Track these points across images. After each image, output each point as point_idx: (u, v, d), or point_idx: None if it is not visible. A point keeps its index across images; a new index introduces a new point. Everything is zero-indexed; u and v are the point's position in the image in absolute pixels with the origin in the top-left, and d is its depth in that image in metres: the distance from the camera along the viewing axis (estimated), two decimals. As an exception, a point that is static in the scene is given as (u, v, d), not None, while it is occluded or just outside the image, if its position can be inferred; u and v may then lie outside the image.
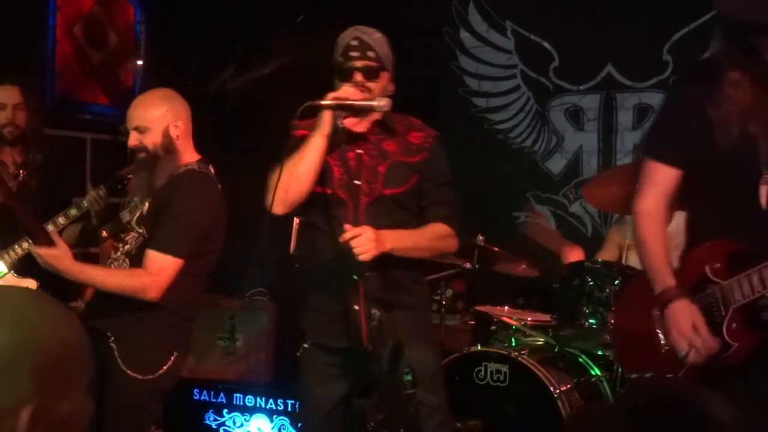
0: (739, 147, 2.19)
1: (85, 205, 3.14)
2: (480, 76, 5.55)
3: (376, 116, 2.78)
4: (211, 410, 4.38)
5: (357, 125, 2.75)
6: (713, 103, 2.21)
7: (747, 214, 2.24)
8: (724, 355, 2.23)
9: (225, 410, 4.37)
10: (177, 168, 2.97)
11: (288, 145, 2.75)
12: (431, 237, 2.81)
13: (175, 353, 2.96)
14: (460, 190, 2.90)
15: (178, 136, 2.96)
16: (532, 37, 5.38)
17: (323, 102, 2.65)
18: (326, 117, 2.66)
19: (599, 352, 3.94)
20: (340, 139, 2.73)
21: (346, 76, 2.73)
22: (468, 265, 4.23)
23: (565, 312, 3.97)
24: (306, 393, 2.96)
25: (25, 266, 3.16)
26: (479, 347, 3.91)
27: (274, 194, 2.68)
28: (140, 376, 2.88)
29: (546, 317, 4.21)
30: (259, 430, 4.28)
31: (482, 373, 3.78)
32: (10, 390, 1.12)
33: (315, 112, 2.68)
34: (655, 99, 4.95)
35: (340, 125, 2.70)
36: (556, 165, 5.36)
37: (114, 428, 2.77)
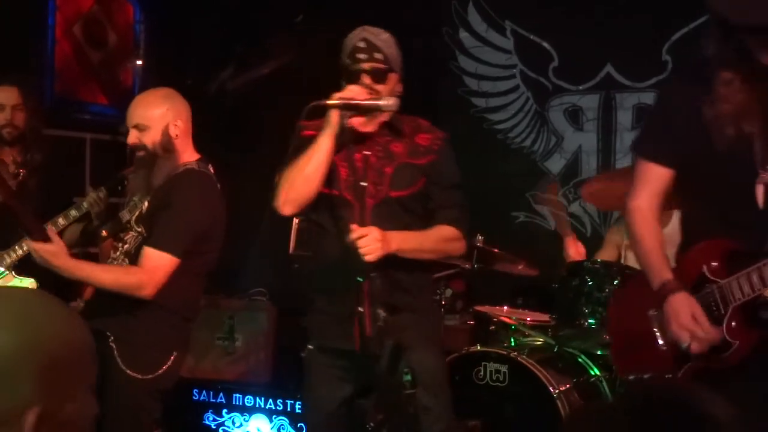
0: (734, 146, 2.19)
1: (85, 206, 3.14)
2: (479, 76, 5.55)
3: (383, 117, 2.75)
4: (210, 410, 4.38)
5: (364, 125, 2.73)
6: (706, 103, 2.21)
7: (743, 213, 2.23)
8: (725, 354, 2.22)
9: (224, 410, 4.36)
10: (176, 167, 2.97)
11: (295, 146, 2.73)
12: (437, 239, 2.79)
13: (175, 353, 2.96)
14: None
15: (177, 135, 2.97)
16: (532, 37, 5.38)
17: (330, 102, 2.63)
18: (334, 117, 2.64)
19: (598, 352, 3.94)
20: (346, 139, 2.71)
21: (353, 79, 2.71)
22: (467, 265, 4.23)
23: (564, 312, 3.97)
24: (310, 394, 2.94)
25: (24, 266, 3.16)
26: (478, 347, 3.91)
27: (282, 194, 2.67)
28: (140, 376, 2.87)
29: (545, 317, 4.21)
30: (258, 430, 4.28)
31: (481, 373, 3.78)
32: (16, 392, 1.12)
33: (322, 112, 2.66)
34: (654, 99, 4.94)
35: (347, 125, 2.68)
36: (556, 165, 5.37)
37: (114, 428, 2.77)
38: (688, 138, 2.28)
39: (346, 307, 2.68)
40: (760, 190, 2.21)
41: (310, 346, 2.88)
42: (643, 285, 2.40)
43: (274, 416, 4.25)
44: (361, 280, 2.59)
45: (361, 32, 2.76)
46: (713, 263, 2.26)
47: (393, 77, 2.76)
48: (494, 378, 3.76)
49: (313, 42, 5.45)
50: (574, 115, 5.29)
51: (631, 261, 3.80)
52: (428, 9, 5.45)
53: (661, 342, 2.37)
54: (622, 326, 2.58)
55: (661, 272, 2.33)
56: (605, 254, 4.24)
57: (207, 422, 4.37)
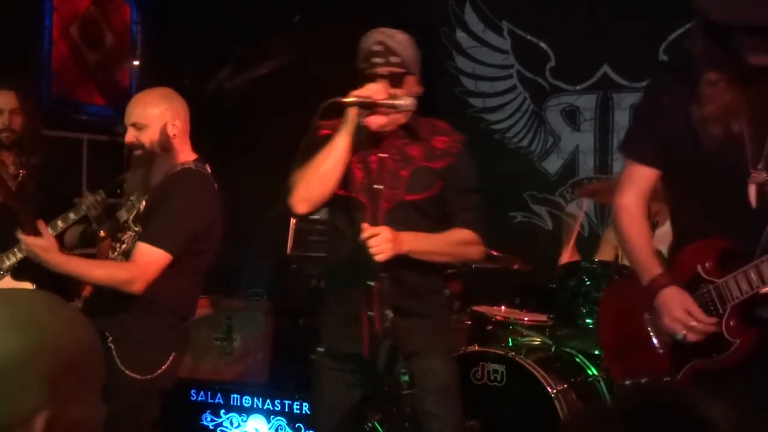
0: (724, 146, 2.19)
1: (83, 209, 3.14)
2: (476, 77, 5.55)
3: (401, 120, 2.71)
4: (208, 411, 4.38)
5: (380, 125, 2.67)
6: (692, 104, 2.21)
7: (736, 213, 2.23)
8: (725, 354, 2.22)
9: (222, 411, 4.36)
10: (174, 167, 2.97)
11: (310, 144, 2.66)
12: (453, 242, 2.74)
13: (174, 353, 2.96)
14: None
15: (175, 134, 2.97)
16: (529, 37, 5.38)
17: (347, 100, 2.57)
18: (352, 114, 2.59)
19: (596, 352, 3.94)
20: (363, 141, 2.66)
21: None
22: (464, 266, 4.23)
23: (561, 312, 3.97)
24: (318, 399, 2.89)
25: (22, 269, 3.17)
26: (476, 347, 3.91)
27: (297, 192, 2.62)
28: (139, 376, 2.87)
29: (543, 317, 4.22)
30: (256, 430, 4.28)
31: (479, 373, 3.78)
32: (25, 396, 1.11)
33: (339, 110, 2.61)
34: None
35: (362, 124, 2.61)
36: (553, 165, 5.37)
37: (113, 428, 2.77)
38: (677, 138, 2.28)
39: (355, 309, 2.65)
40: (752, 190, 2.21)
41: (320, 349, 2.84)
42: (634, 287, 2.40)
43: (272, 417, 4.25)
44: (371, 283, 2.54)
45: (376, 35, 2.69)
46: (708, 263, 2.26)
47: (410, 79, 2.70)
48: (492, 378, 3.76)
49: (311, 42, 5.45)
50: (571, 115, 5.29)
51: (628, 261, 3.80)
52: (425, 9, 5.45)
53: (657, 344, 2.37)
54: (615, 330, 2.57)
55: (651, 269, 2.33)
56: (602, 254, 4.24)
57: (205, 423, 4.37)
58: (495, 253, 4.26)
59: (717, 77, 2.16)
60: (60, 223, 3.11)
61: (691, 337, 2.23)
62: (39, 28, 5.07)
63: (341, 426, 2.80)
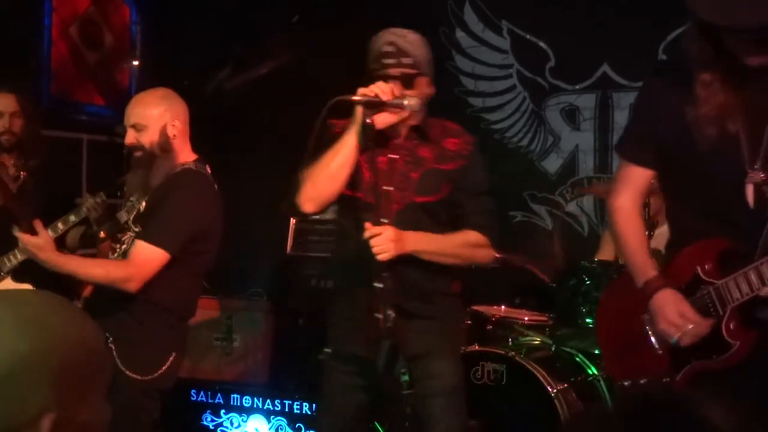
0: (720, 147, 2.19)
1: (84, 211, 3.14)
2: (476, 76, 5.55)
3: (411, 121, 2.69)
4: (208, 411, 4.38)
5: (386, 123, 2.62)
6: (687, 105, 2.20)
7: (734, 213, 2.23)
8: (725, 356, 2.22)
9: (222, 411, 4.37)
10: (174, 167, 2.97)
11: (321, 143, 2.62)
12: (460, 244, 2.71)
13: (174, 353, 2.96)
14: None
15: (175, 135, 2.97)
16: (528, 36, 5.38)
17: (353, 98, 2.54)
18: (359, 113, 2.55)
19: (596, 352, 3.94)
20: (373, 142, 2.61)
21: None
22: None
23: (561, 311, 3.98)
24: (324, 401, 2.88)
25: (22, 271, 3.17)
26: (476, 347, 3.91)
27: (305, 191, 2.60)
28: (139, 377, 2.88)
29: (543, 317, 4.22)
30: (256, 430, 4.28)
31: (479, 372, 3.78)
32: (32, 398, 1.10)
33: (348, 109, 2.58)
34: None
35: (368, 122, 2.57)
36: (552, 164, 5.36)
37: (113, 429, 2.77)
38: (672, 139, 2.28)
39: (362, 311, 2.62)
40: (749, 190, 2.21)
41: (327, 350, 2.83)
42: (633, 287, 2.39)
43: (272, 417, 4.25)
44: (380, 286, 2.51)
45: (388, 35, 2.66)
46: (708, 264, 2.26)
47: (422, 80, 2.68)
48: (492, 378, 3.77)
49: (311, 42, 5.45)
50: (571, 115, 5.29)
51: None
52: (425, 9, 5.45)
53: (656, 345, 2.37)
54: (614, 330, 2.56)
55: (646, 271, 2.33)
56: (603, 254, 4.25)
57: (205, 423, 4.37)
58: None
59: (711, 78, 2.16)
60: (60, 225, 3.11)
61: (686, 341, 2.23)
62: (38, 28, 5.07)
63: (346, 428, 2.78)
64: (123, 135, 2.99)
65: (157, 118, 2.94)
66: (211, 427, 4.36)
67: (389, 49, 2.63)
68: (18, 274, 3.21)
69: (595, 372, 3.93)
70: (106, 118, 5.32)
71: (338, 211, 2.75)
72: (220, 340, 4.76)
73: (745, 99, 2.17)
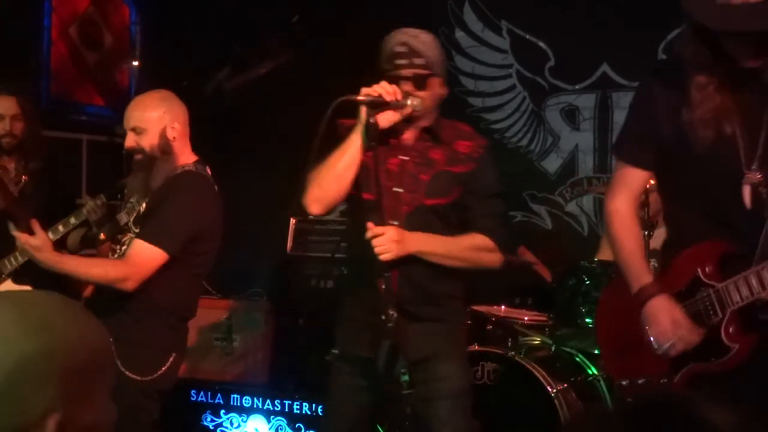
0: (716, 148, 2.18)
1: (85, 213, 3.14)
2: (476, 76, 5.55)
3: (424, 122, 2.67)
4: (208, 411, 4.38)
5: (390, 122, 2.60)
6: (683, 107, 2.20)
7: (731, 214, 2.23)
8: (724, 358, 2.22)
9: (222, 411, 4.37)
10: (174, 169, 2.97)
11: (330, 144, 2.61)
12: (466, 247, 2.68)
13: (174, 354, 2.96)
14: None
15: (175, 137, 2.97)
16: (528, 36, 5.38)
17: (357, 98, 2.53)
18: (363, 113, 2.54)
19: (596, 352, 3.94)
20: (373, 137, 2.57)
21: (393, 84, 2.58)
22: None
23: (561, 311, 3.98)
24: (331, 400, 2.87)
25: (23, 272, 3.17)
26: (476, 347, 3.91)
27: (311, 192, 2.59)
28: (139, 377, 2.88)
29: (543, 317, 4.22)
30: (256, 430, 4.28)
31: (479, 373, 3.78)
32: (37, 399, 1.10)
33: (354, 109, 2.57)
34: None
35: (372, 122, 2.55)
36: (552, 164, 5.37)
37: (113, 429, 2.77)
38: (669, 140, 2.28)
39: (367, 313, 2.61)
40: (746, 191, 2.21)
41: (334, 351, 2.81)
42: (628, 288, 2.40)
43: (272, 417, 4.25)
44: (381, 286, 2.50)
45: (400, 35, 2.63)
46: (708, 267, 2.25)
47: (435, 81, 2.65)
48: (492, 378, 3.77)
49: (311, 42, 5.45)
50: (571, 115, 5.29)
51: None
52: (424, 9, 5.45)
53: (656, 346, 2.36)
54: (614, 330, 2.56)
55: (640, 276, 2.32)
56: (603, 254, 4.24)
57: (205, 423, 4.38)
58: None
59: (707, 81, 2.16)
60: (61, 228, 3.11)
61: (678, 348, 2.23)
62: (38, 28, 5.07)
63: (352, 429, 2.76)
64: (123, 135, 2.99)
65: (156, 120, 2.94)
66: (211, 428, 4.37)
67: (402, 49, 2.60)
68: (19, 275, 3.21)
69: (595, 372, 3.93)
70: (106, 119, 5.33)
71: (346, 212, 2.74)
72: (220, 340, 4.76)
73: (742, 101, 2.17)
